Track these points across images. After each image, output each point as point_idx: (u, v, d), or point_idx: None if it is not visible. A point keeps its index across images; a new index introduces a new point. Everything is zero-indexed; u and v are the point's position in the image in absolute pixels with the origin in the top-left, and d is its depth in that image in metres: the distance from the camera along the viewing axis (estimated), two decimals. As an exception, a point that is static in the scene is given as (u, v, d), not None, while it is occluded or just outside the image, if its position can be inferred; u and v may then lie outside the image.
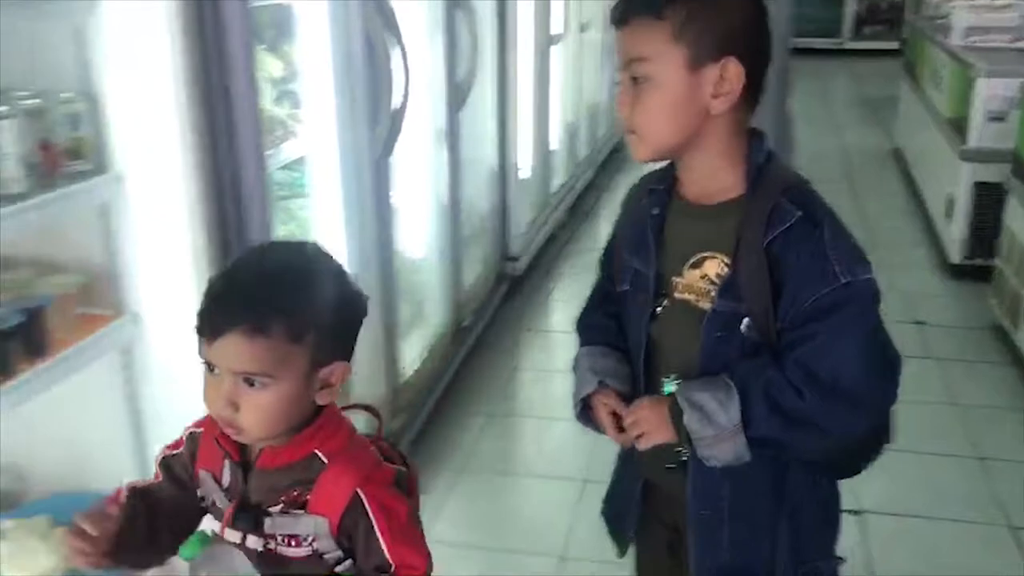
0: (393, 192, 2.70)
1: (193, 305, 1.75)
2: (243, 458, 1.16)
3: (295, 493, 1.13)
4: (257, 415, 1.10)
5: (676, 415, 1.26)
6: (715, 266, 1.28)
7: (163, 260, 1.76)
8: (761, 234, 1.22)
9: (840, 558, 1.42)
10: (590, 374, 1.39)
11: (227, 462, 1.17)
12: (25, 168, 1.51)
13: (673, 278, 1.32)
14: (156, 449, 1.81)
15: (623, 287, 1.39)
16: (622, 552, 1.52)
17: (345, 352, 1.16)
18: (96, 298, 1.76)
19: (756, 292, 1.23)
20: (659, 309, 1.33)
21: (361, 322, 1.20)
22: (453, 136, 3.14)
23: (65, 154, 1.60)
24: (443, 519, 2.53)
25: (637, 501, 1.45)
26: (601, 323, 1.45)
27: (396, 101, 2.48)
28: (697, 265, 1.29)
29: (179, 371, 1.81)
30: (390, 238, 2.69)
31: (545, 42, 4.31)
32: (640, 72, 1.23)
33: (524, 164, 4.14)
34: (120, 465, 1.90)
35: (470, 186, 3.47)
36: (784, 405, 1.22)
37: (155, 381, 1.83)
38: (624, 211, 1.43)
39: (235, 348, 1.07)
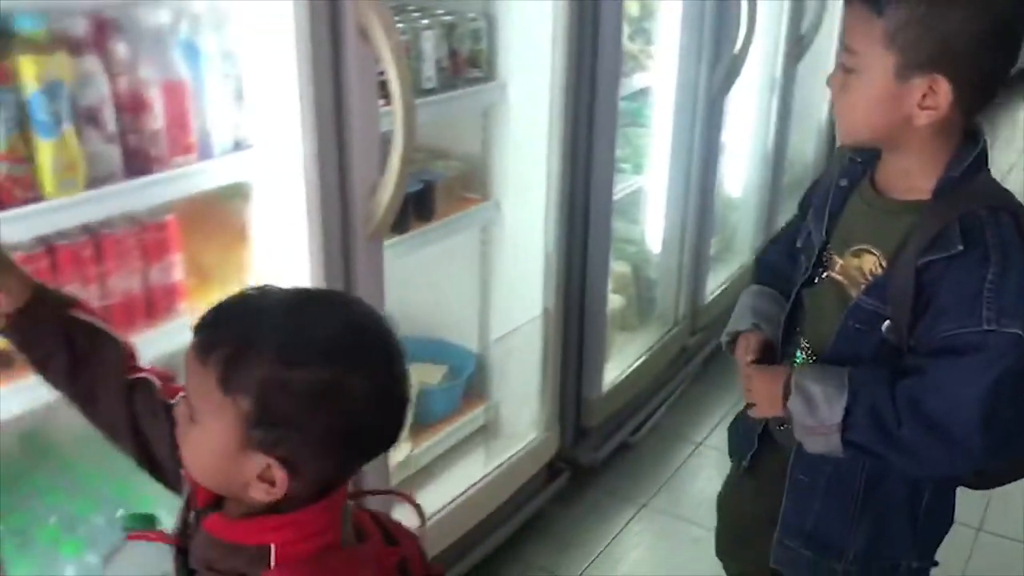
0: (723, 131, 2.93)
1: (542, 200, 2.13)
2: (203, 506, 0.95)
3: None
4: (184, 449, 0.93)
5: (786, 394, 1.27)
6: (871, 262, 1.26)
7: (524, 160, 2.14)
8: (918, 253, 1.18)
9: (932, 562, 1.41)
10: (749, 312, 1.44)
11: (188, 495, 0.97)
12: (437, 70, 1.92)
13: (834, 256, 1.32)
14: (498, 312, 2.25)
15: (799, 242, 1.41)
16: (737, 467, 1.58)
17: (322, 455, 0.88)
18: (470, 183, 2.18)
19: (899, 303, 1.21)
20: (816, 279, 1.34)
21: (369, 441, 0.93)
22: (787, 86, 3.29)
23: (466, 62, 2.00)
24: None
25: (758, 435, 1.49)
26: (778, 264, 1.48)
27: (737, 45, 2.70)
28: (857, 255, 1.29)
29: (524, 252, 2.20)
30: (713, 174, 2.93)
31: None
32: (850, 63, 1.20)
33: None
34: (467, 320, 2.35)
35: (796, 136, 3.60)
36: (885, 425, 1.20)
37: (505, 258, 2.22)
38: (829, 165, 1.43)
39: (188, 362, 0.89)
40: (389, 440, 0.95)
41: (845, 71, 1.22)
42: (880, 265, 1.25)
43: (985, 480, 1.38)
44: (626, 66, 2.53)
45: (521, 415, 2.30)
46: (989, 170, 1.25)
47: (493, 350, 2.30)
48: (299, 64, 1.42)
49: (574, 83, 2.08)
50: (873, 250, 1.26)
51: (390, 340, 0.91)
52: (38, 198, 1.28)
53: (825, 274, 1.33)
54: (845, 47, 1.21)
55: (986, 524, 2.40)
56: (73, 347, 1.02)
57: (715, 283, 3.14)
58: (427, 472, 2.14)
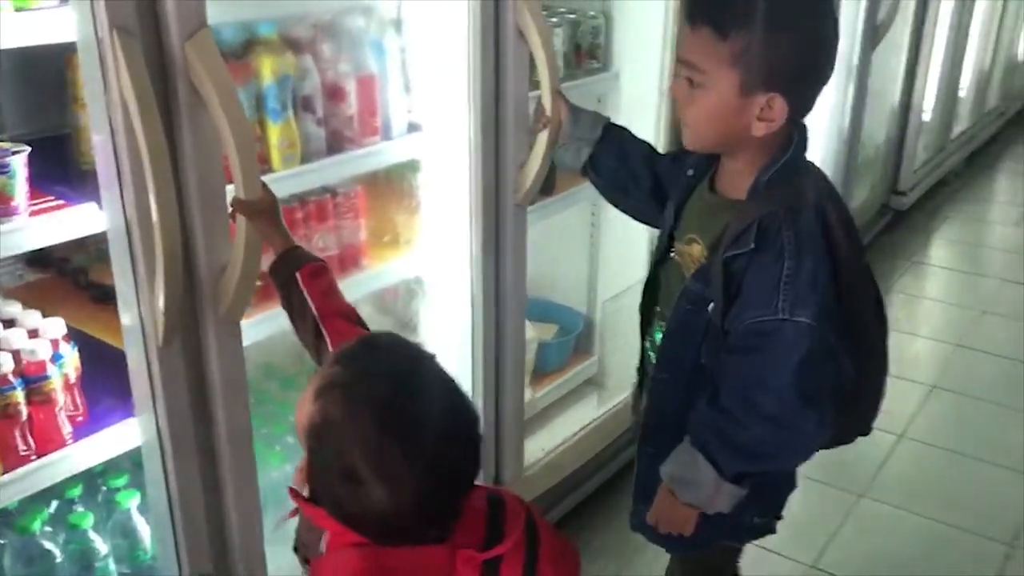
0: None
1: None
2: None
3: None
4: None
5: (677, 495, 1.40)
6: (698, 251, 1.41)
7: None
8: (725, 247, 1.32)
9: (777, 516, 1.55)
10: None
11: None
12: (564, 60, 2.20)
13: (678, 244, 1.46)
14: (605, 277, 2.54)
15: (660, 200, 1.56)
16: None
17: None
18: (584, 161, 2.45)
19: (715, 290, 1.34)
20: (666, 259, 1.49)
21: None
22: (863, 71, 3.51)
23: (586, 54, 2.28)
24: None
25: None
26: (645, 150, 1.65)
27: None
28: (688, 243, 1.43)
29: (629, 227, 2.42)
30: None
31: (970, -10, 4.43)
32: (697, 80, 1.30)
33: (928, 106, 4.35)
34: (575, 286, 2.63)
35: (870, 117, 3.81)
36: (738, 441, 1.32)
37: (612, 230, 2.50)
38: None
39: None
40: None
41: (691, 85, 1.31)
42: (704, 255, 1.39)
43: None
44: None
45: (625, 369, 2.57)
46: (806, 170, 1.37)
47: (601, 311, 2.58)
48: (468, 58, 1.71)
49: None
50: (699, 240, 1.40)
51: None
52: (269, 170, 1.59)
53: (672, 254, 1.48)
54: (688, 63, 1.31)
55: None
56: (290, 302, 1.32)
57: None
58: (544, 415, 2.43)
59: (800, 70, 1.29)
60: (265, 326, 1.60)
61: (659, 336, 1.50)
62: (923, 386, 3.07)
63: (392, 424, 0.96)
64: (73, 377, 1.45)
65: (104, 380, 1.48)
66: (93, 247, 1.62)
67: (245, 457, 1.47)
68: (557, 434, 2.38)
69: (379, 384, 0.98)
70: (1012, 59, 5.67)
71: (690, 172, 1.47)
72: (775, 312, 1.28)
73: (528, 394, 2.36)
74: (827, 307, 1.29)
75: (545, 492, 2.23)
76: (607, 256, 2.56)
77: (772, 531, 1.59)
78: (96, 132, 1.23)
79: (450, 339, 1.96)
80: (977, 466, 2.70)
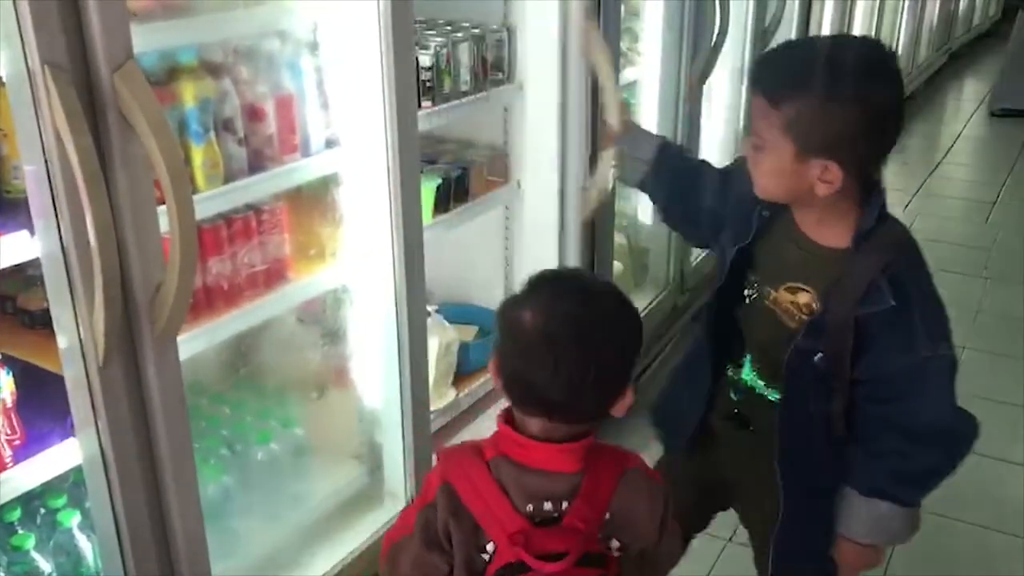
0: (702, 116, 3.33)
1: (555, 180, 2.50)
2: None
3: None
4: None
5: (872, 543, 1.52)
6: (808, 299, 1.45)
7: (539, 147, 2.51)
8: (853, 306, 1.38)
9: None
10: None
11: None
12: (471, 75, 2.30)
13: (767, 287, 1.50)
14: (520, 279, 2.63)
15: (714, 229, 1.64)
16: (675, 454, 1.77)
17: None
18: (494, 168, 2.54)
19: (837, 343, 1.41)
20: (747, 300, 1.54)
21: None
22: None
23: (491, 67, 2.38)
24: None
25: (696, 425, 1.68)
26: (703, 169, 1.75)
27: (712, 40, 3.09)
28: (792, 291, 1.47)
29: (540, 226, 2.58)
30: (695, 154, 3.32)
31: (849, -9, 4.69)
32: (756, 143, 1.39)
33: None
34: (492, 287, 2.73)
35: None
36: (914, 472, 1.47)
37: (524, 231, 2.61)
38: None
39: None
40: None
41: (755, 148, 1.40)
42: (815, 303, 1.44)
43: None
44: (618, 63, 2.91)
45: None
46: (890, 215, 1.45)
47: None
48: (381, 76, 1.79)
49: (577, 78, 2.46)
50: (807, 289, 1.45)
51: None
52: (193, 191, 1.63)
53: (756, 297, 1.53)
54: (752, 126, 1.40)
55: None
56: None
57: (699, 249, 3.55)
58: (470, 413, 2.52)
59: (855, 138, 1.33)
60: (192, 344, 1.65)
61: (748, 376, 1.59)
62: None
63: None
64: (9, 402, 1.49)
65: (39, 403, 1.51)
66: (19, 274, 1.65)
67: (187, 470, 1.52)
68: (485, 431, 2.47)
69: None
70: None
71: (765, 213, 1.50)
72: (917, 355, 1.40)
73: (451, 395, 2.45)
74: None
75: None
76: (521, 257, 2.66)
77: None
78: (28, 163, 1.27)
79: (377, 345, 2.03)
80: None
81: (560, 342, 1.15)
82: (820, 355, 1.44)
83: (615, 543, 1.24)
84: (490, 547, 1.20)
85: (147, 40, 1.42)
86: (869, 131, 1.34)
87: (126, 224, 1.32)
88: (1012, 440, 2.88)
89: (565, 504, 1.20)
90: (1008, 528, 2.49)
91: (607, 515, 1.21)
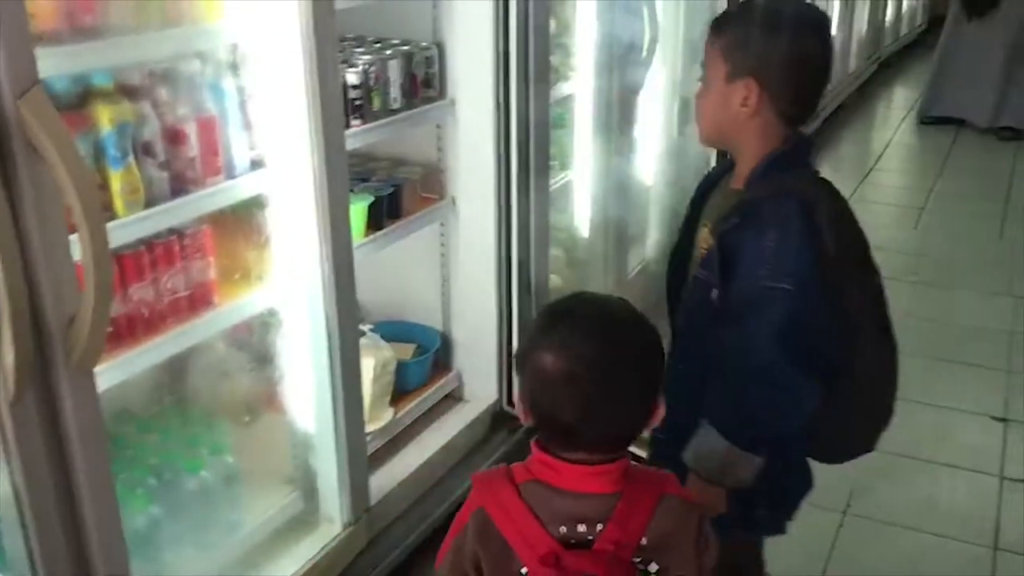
0: (635, 128, 3.35)
1: (491, 195, 2.49)
2: None
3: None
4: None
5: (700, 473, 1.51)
6: (705, 234, 1.58)
7: (473, 163, 2.51)
8: (719, 226, 1.51)
9: (786, 516, 1.68)
10: None
11: None
12: (401, 92, 2.29)
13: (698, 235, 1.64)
14: (457, 295, 2.62)
15: None
16: None
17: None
18: (429, 185, 2.53)
19: (711, 269, 1.50)
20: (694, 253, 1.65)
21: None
22: (684, 84, 3.73)
23: (422, 84, 2.37)
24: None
25: None
26: None
27: (643, 53, 3.12)
28: (700, 229, 1.63)
29: (476, 242, 2.57)
30: (628, 166, 3.36)
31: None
32: (702, 77, 1.58)
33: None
34: (429, 304, 2.71)
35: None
36: (741, 407, 1.46)
37: (460, 247, 2.59)
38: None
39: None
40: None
41: (699, 93, 1.60)
42: (710, 240, 1.54)
43: (828, 450, 1.66)
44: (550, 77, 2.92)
45: (481, 381, 2.67)
46: (804, 170, 1.55)
47: (455, 327, 2.67)
48: (305, 97, 1.78)
49: (509, 96, 2.45)
50: (708, 224, 1.58)
51: None
52: (112, 217, 1.60)
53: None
54: (703, 69, 1.59)
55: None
56: None
57: (635, 260, 3.57)
58: (409, 433, 2.50)
59: (777, 64, 1.50)
60: (118, 371, 1.62)
61: None
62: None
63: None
64: (-81, 440, 1.43)
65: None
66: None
67: (108, 506, 1.48)
68: (423, 451, 2.45)
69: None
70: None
71: (712, 172, 1.70)
72: (757, 280, 1.44)
73: (389, 415, 2.43)
74: (811, 285, 1.44)
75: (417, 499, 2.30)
76: (458, 273, 2.65)
77: (782, 531, 1.70)
78: (-70, 195, 1.23)
79: (308, 367, 2.01)
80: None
81: (586, 383, 1.15)
82: (715, 292, 1.50)
83: (654, 567, 1.23)
84: (524, 571, 1.19)
85: (56, 63, 1.39)
86: (791, 63, 1.51)
87: (36, 253, 1.28)
88: (940, 443, 2.93)
89: (600, 527, 1.19)
90: (937, 529, 2.54)
91: (643, 540, 1.20)
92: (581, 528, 1.19)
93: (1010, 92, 6.20)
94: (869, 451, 1.68)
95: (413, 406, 2.51)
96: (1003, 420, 3.05)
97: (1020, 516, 2.59)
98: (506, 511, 1.19)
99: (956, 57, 6.37)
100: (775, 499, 1.64)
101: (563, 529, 1.19)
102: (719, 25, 1.57)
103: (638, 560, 1.21)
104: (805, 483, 1.71)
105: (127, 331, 1.68)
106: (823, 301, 1.46)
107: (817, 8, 1.67)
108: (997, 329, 3.67)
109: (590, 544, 1.18)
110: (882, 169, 5.85)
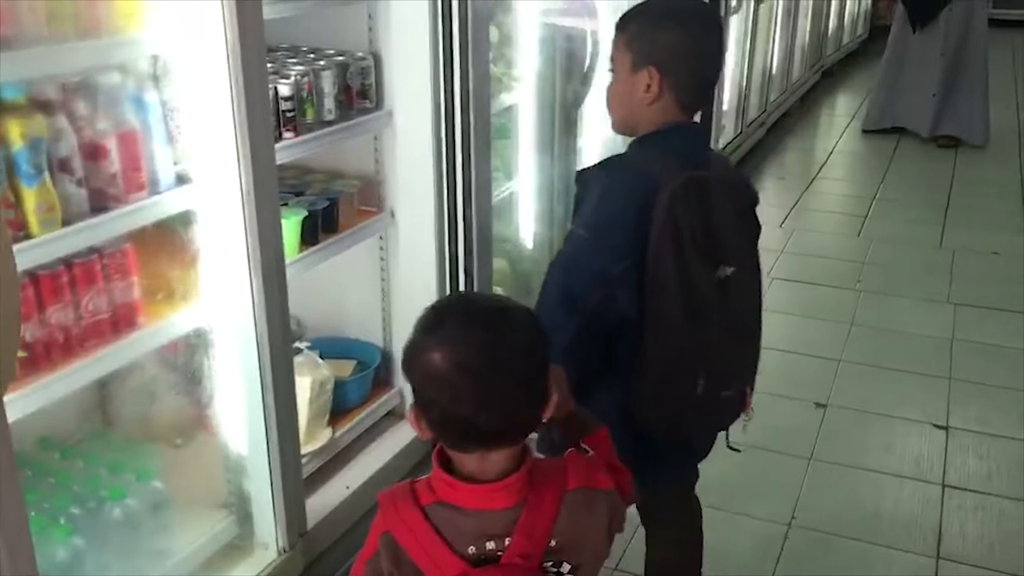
0: (579, 138, 3.33)
1: (431, 207, 2.45)
2: None
3: None
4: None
5: None
6: None
7: (412, 175, 2.46)
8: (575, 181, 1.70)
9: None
10: None
11: None
12: (335, 103, 2.23)
13: None
14: (398, 309, 2.58)
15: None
16: None
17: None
18: (367, 198, 2.48)
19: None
20: None
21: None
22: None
23: (358, 95, 2.31)
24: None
25: None
26: None
27: (586, 64, 3.10)
28: None
29: (417, 254, 2.52)
30: (572, 176, 3.32)
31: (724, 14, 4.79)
32: (610, 68, 1.69)
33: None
34: (369, 319, 2.66)
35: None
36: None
37: (400, 260, 2.54)
38: None
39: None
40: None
41: (609, 85, 1.70)
42: None
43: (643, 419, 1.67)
44: (492, 88, 2.89)
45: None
46: (664, 150, 1.62)
47: (396, 342, 2.62)
48: (232, 110, 1.72)
49: (450, 106, 2.42)
50: None
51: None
52: (26, 236, 1.53)
53: None
54: (611, 60, 1.69)
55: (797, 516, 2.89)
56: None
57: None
58: (348, 452, 2.44)
59: (676, 54, 1.61)
60: (40, 395, 1.56)
61: None
62: (707, 384, 3.27)
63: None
64: None
65: None
66: None
67: (22, 544, 1.40)
68: (363, 472, 2.40)
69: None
70: (766, 72, 6.16)
71: None
72: (573, 224, 1.63)
73: (327, 435, 2.37)
74: (620, 245, 1.56)
75: (354, 528, 2.25)
76: (399, 287, 2.60)
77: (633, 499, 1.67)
78: None
79: (239, 388, 1.94)
80: (762, 455, 2.91)
81: (482, 372, 1.14)
82: None
83: (566, 566, 1.22)
84: None
85: (-40, 77, 1.31)
86: (685, 52, 1.63)
87: (-63, 279, 1.20)
88: (885, 452, 2.94)
89: (508, 540, 1.18)
90: (883, 540, 2.54)
91: (551, 543, 1.19)
92: (490, 545, 1.18)
93: (948, 102, 6.31)
94: (685, 438, 1.77)
95: (352, 425, 2.45)
96: (945, 428, 3.07)
97: (960, 524, 2.61)
98: (414, 535, 1.18)
99: (901, 68, 6.47)
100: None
101: (472, 549, 1.18)
102: (623, 21, 1.68)
103: (549, 564, 1.20)
104: (651, 454, 1.68)
105: (44, 355, 1.61)
106: (619, 263, 1.56)
107: (707, 4, 1.84)
108: (938, 336, 3.70)
109: (498, 560, 1.17)
110: (826, 177, 5.91)
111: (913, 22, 6.30)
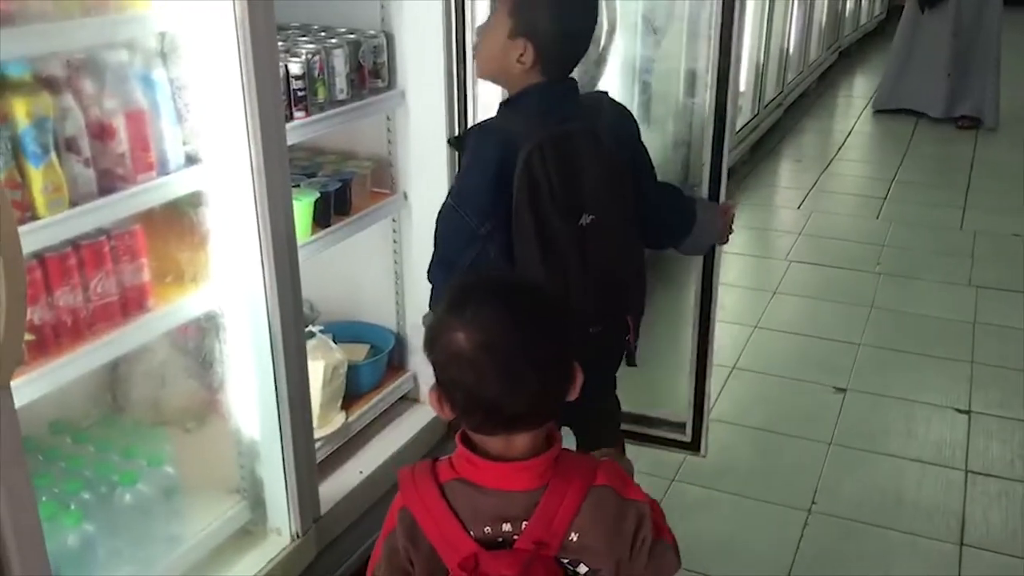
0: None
1: (443, 188, 2.41)
2: None
3: None
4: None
5: None
6: None
7: (425, 156, 2.42)
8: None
9: None
10: None
11: None
12: (347, 82, 2.19)
13: None
14: (411, 293, 2.54)
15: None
16: None
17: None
18: (379, 180, 2.45)
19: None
20: None
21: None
22: (646, 72, 3.67)
23: (370, 74, 2.27)
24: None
25: None
26: None
27: (601, 43, 3.04)
28: None
29: (430, 236, 2.47)
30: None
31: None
32: (487, 23, 1.80)
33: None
34: (383, 303, 2.62)
35: (659, 109, 4.00)
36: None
37: (414, 243, 2.51)
38: None
39: None
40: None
41: (481, 31, 1.83)
42: None
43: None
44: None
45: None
46: (526, 112, 1.74)
47: (410, 326, 2.58)
48: (242, 89, 1.68)
49: (463, 86, 2.37)
50: None
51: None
52: (33, 217, 1.50)
53: None
54: (490, 11, 1.84)
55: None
56: None
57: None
58: (362, 437, 2.41)
59: (553, 34, 1.71)
60: (49, 379, 1.53)
61: None
62: (724, 368, 3.24)
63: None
64: None
65: None
66: None
67: (29, 523, 1.38)
68: (377, 455, 2.37)
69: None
70: (783, 52, 6.08)
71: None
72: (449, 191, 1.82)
73: (340, 419, 2.34)
74: (484, 206, 1.72)
75: (367, 514, 2.22)
76: (411, 270, 2.56)
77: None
78: None
79: (252, 372, 1.91)
80: (781, 440, 2.88)
81: (504, 351, 1.12)
82: None
83: (583, 568, 1.18)
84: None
85: (-37, 54, 1.28)
86: (564, 33, 1.73)
87: (-60, 261, 1.17)
88: (907, 437, 2.90)
89: (525, 524, 1.15)
90: (905, 527, 2.50)
91: (571, 536, 1.15)
92: (506, 527, 1.15)
93: (961, 82, 6.21)
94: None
95: (366, 409, 2.42)
96: (967, 412, 3.02)
97: (984, 510, 2.56)
98: (429, 512, 1.16)
99: (911, 48, 6.38)
100: None
101: (488, 529, 1.15)
102: None
103: (567, 561, 1.17)
104: None
105: (52, 339, 1.58)
106: (485, 222, 1.72)
107: None
108: (959, 320, 3.65)
109: (511, 544, 1.14)
110: (843, 159, 5.84)
111: (921, 2, 6.21)
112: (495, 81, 1.85)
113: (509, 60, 1.73)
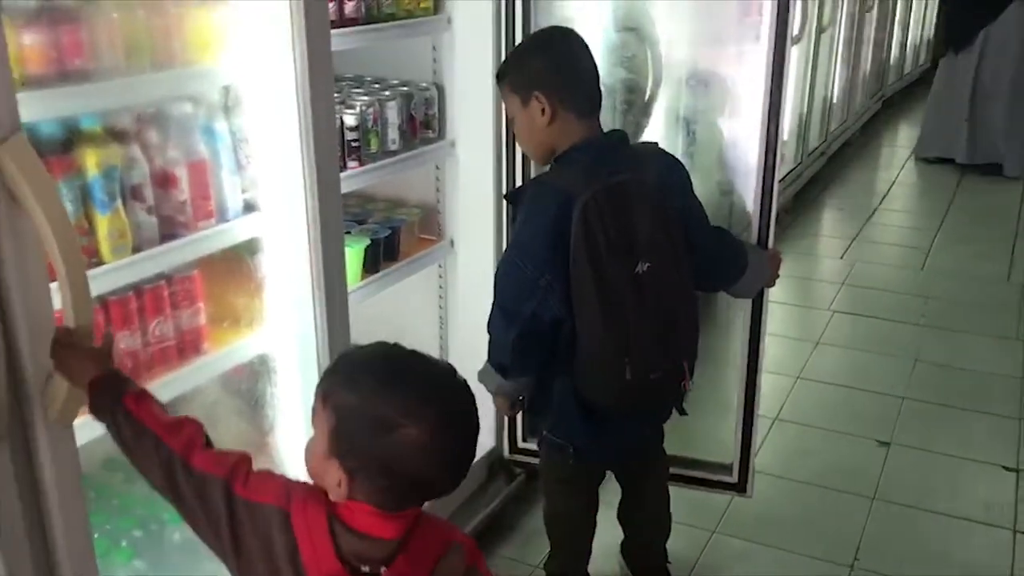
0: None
1: (491, 236, 2.45)
2: None
3: None
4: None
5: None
6: None
7: (472, 204, 2.47)
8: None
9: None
10: None
11: None
12: (399, 133, 2.25)
13: None
14: (455, 338, 2.58)
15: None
16: None
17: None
18: (427, 226, 2.50)
19: None
20: None
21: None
22: (691, 121, 3.70)
23: (421, 125, 2.33)
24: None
25: None
26: None
27: (647, 94, 3.09)
28: None
29: (476, 283, 2.52)
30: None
31: (786, 44, 4.75)
32: (508, 112, 1.93)
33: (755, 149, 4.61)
34: (427, 348, 2.64)
35: (703, 158, 4.02)
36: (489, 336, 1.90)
37: (459, 288, 2.55)
38: None
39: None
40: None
41: (508, 116, 1.97)
42: None
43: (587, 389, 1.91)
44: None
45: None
46: (577, 165, 1.81)
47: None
48: (300, 141, 1.74)
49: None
50: None
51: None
52: (98, 263, 1.56)
53: None
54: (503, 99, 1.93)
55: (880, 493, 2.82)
56: (120, 434, 1.32)
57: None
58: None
59: (547, 73, 1.81)
60: (94, 427, 1.56)
61: None
62: (766, 419, 3.22)
63: (393, 373, 1.18)
64: None
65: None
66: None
67: (84, 559, 1.42)
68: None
69: (369, 361, 1.24)
70: (827, 101, 6.09)
71: None
72: (507, 249, 1.89)
73: (385, 462, 2.36)
74: (543, 258, 1.78)
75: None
76: (456, 316, 2.60)
77: (569, 458, 2.00)
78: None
79: (300, 415, 1.95)
80: (823, 493, 2.86)
81: (452, 441, 1.17)
82: None
83: None
84: None
85: (43, 108, 1.36)
86: (559, 66, 1.82)
87: (14, 303, 1.23)
88: (952, 494, 2.86)
89: (383, 569, 1.19)
90: (950, 585, 2.46)
91: None
92: (364, 569, 1.19)
93: (978, 128, 6.18)
94: (628, 412, 1.99)
95: (409, 452, 2.44)
96: (1015, 470, 2.97)
97: (1034, 571, 2.52)
98: (308, 525, 1.19)
99: (944, 95, 6.37)
100: (555, 424, 2.02)
101: (353, 561, 1.20)
102: (499, 74, 1.90)
103: None
104: (585, 418, 1.95)
105: (112, 380, 1.63)
106: (544, 274, 1.79)
107: (558, 26, 2.03)
108: (1007, 375, 3.60)
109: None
110: (887, 208, 5.81)
111: (947, 44, 6.20)
112: (547, 157, 1.89)
113: (536, 123, 1.82)
